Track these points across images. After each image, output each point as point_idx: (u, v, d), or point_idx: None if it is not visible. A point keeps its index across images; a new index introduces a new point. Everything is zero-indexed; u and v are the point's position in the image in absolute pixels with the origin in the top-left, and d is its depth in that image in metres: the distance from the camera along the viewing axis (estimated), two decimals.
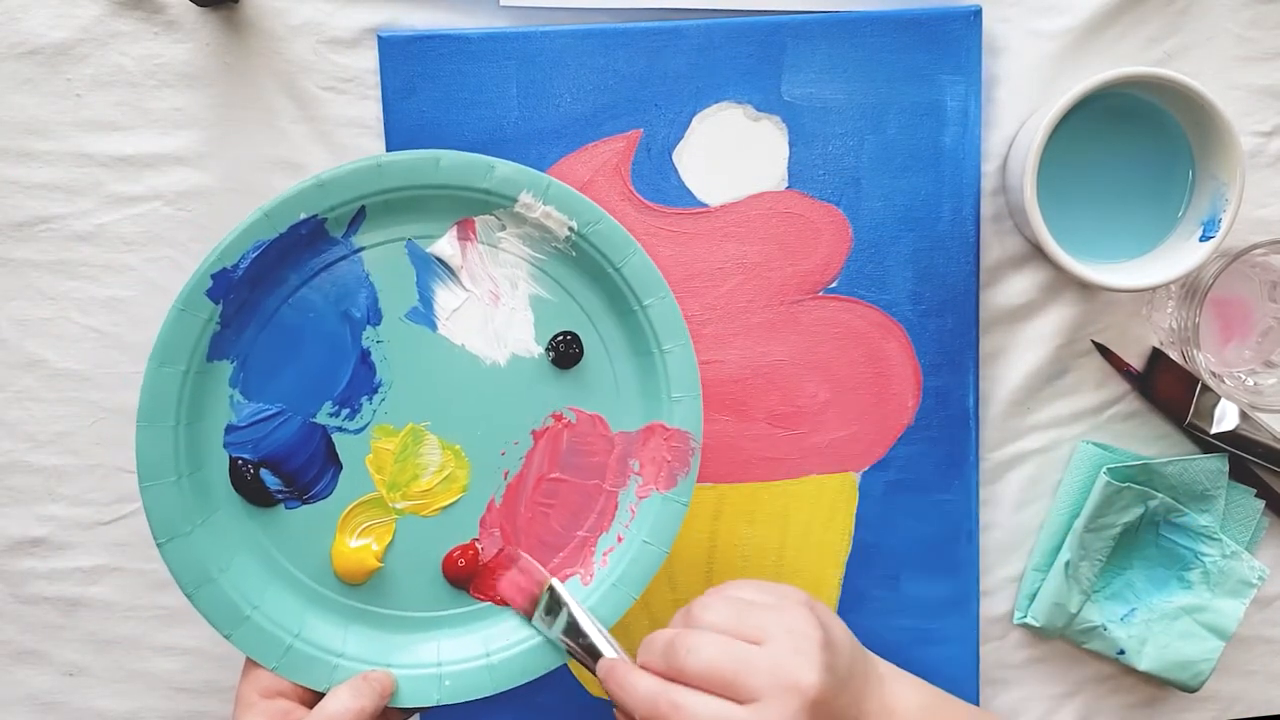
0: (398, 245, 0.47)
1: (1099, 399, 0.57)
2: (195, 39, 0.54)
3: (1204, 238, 0.52)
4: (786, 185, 0.55)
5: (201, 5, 0.53)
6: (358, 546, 0.48)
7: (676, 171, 0.54)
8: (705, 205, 0.55)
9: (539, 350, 0.48)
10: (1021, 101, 0.55)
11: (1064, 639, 0.58)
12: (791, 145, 0.54)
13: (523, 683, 0.48)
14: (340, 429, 0.47)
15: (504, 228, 0.48)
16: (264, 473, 0.47)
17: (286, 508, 0.48)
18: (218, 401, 0.47)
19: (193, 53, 0.54)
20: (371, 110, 0.54)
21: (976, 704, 0.58)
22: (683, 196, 0.55)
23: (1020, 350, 0.57)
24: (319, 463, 0.47)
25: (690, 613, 0.44)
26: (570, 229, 0.47)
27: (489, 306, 0.48)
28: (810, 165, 0.55)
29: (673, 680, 0.42)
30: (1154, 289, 0.53)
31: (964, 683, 0.57)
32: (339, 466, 0.48)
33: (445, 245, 0.48)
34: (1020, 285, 0.56)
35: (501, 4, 0.54)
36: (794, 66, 0.54)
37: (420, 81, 0.53)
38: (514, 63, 0.53)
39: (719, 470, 0.56)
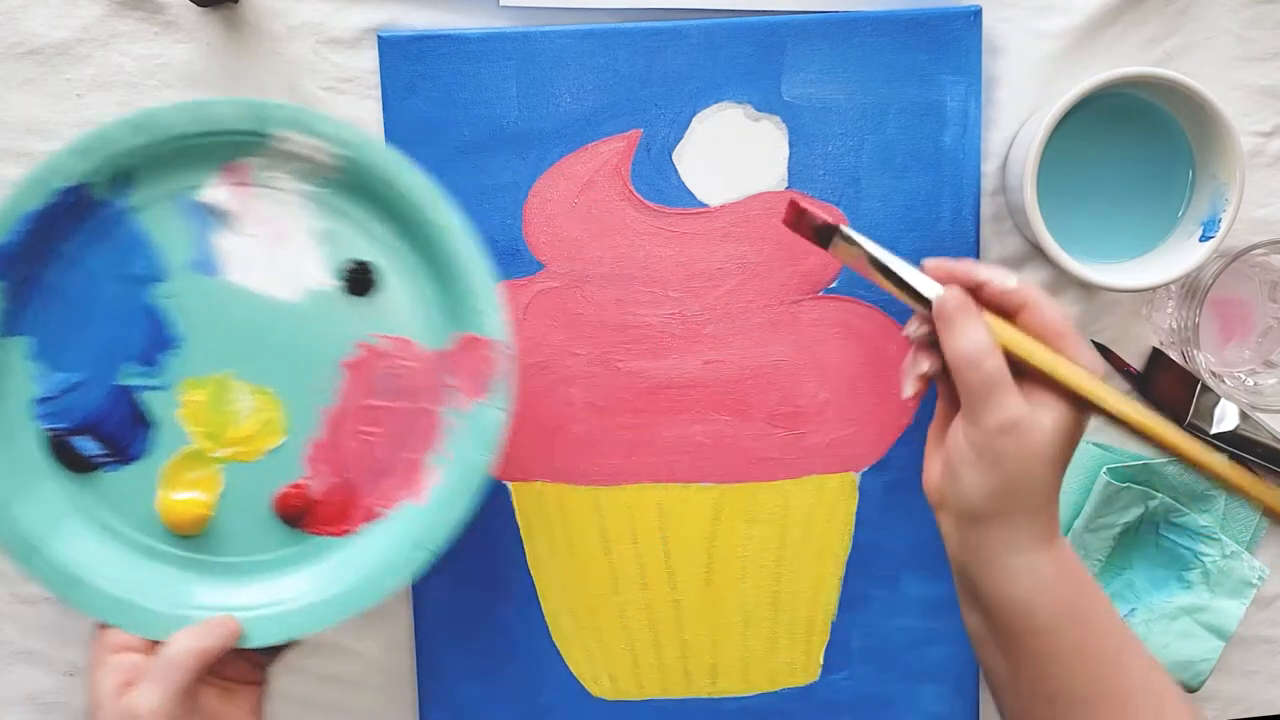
0: (171, 200, 0.47)
1: None
2: (195, 39, 0.54)
3: (1204, 238, 0.52)
4: (786, 185, 0.55)
5: (201, 5, 0.53)
6: (184, 499, 0.48)
7: (676, 171, 0.54)
8: (705, 205, 0.55)
9: (332, 282, 0.48)
10: (1021, 101, 0.55)
11: None
12: (791, 145, 0.54)
13: (364, 610, 0.48)
14: (147, 387, 0.48)
15: (272, 166, 0.48)
16: (83, 439, 0.48)
17: (109, 470, 0.48)
18: (19, 376, 0.48)
19: (193, 53, 0.54)
20: (372, 110, 0.54)
21: (977, 704, 0.58)
22: (683, 196, 0.55)
23: None
24: (131, 423, 0.48)
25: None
26: (333, 155, 0.47)
27: (274, 246, 0.48)
28: (810, 165, 0.55)
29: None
30: (1154, 289, 0.53)
31: (964, 683, 0.57)
32: (152, 424, 0.48)
33: (216, 193, 0.48)
34: None
35: (501, 4, 0.54)
36: (794, 66, 0.54)
37: (420, 81, 0.54)
38: (514, 63, 0.54)
39: (719, 470, 0.56)
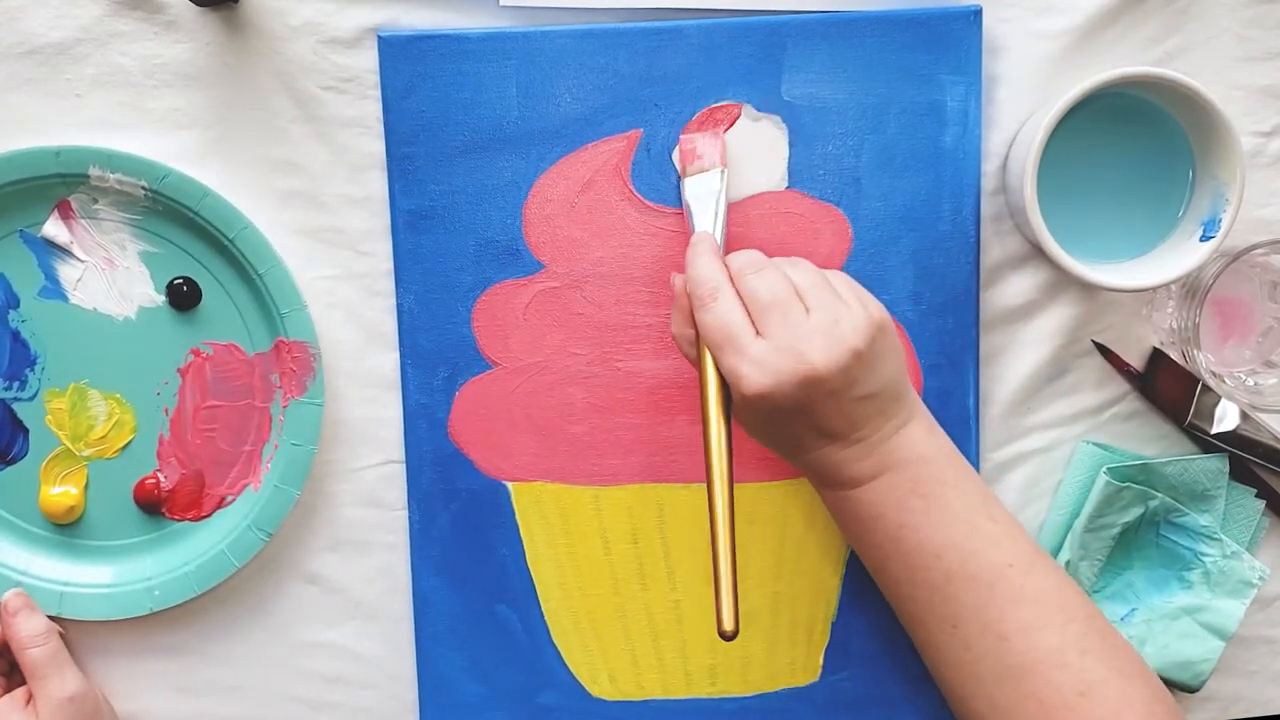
0: (12, 237, 0.54)
1: (1099, 399, 0.57)
2: (195, 39, 0.54)
3: (1204, 238, 0.52)
4: (786, 185, 0.55)
5: (201, 5, 0.53)
6: (58, 493, 0.56)
7: (677, 171, 0.54)
8: None
9: (161, 299, 0.55)
10: (1021, 101, 0.55)
11: None
12: (791, 145, 0.54)
13: (218, 583, 0.55)
14: (16, 399, 0.55)
15: (96, 201, 0.54)
16: None
17: None
18: None
19: (193, 53, 0.54)
20: (371, 110, 0.54)
21: None
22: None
23: (1020, 350, 0.57)
24: (8, 431, 0.55)
25: (779, 263, 0.49)
26: (143, 188, 0.53)
27: (106, 270, 0.54)
28: (810, 165, 0.55)
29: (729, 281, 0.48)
30: (1154, 289, 0.53)
31: None
32: (26, 431, 0.55)
33: (50, 228, 0.54)
34: (1020, 285, 0.56)
35: (501, 4, 0.54)
36: (794, 66, 0.54)
37: (420, 81, 0.53)
38: (514, 63, 0.53)
39: None
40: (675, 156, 0.54)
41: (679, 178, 0.54)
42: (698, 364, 0.49)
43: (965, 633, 0.48)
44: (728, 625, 0.46)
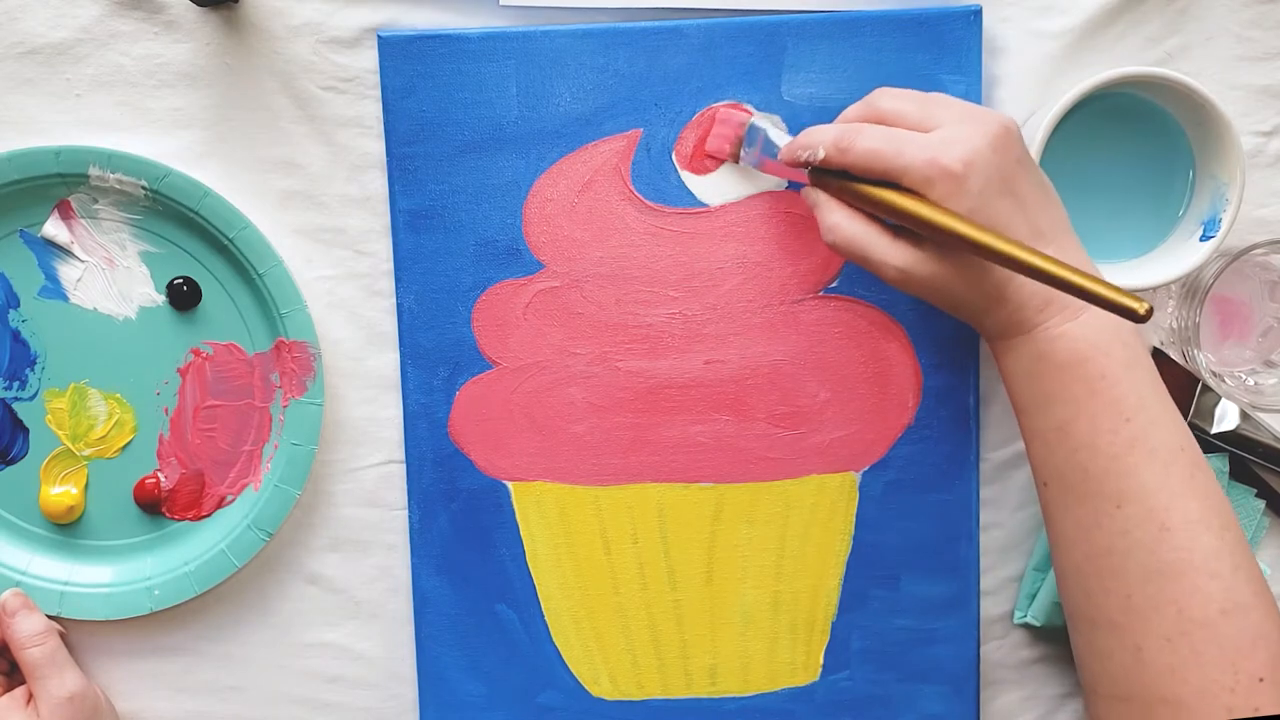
0: (12, 237, 0.54)
1: None
2: (195, 39, 0.54)
3: (1204, 238, 0.52)
4: (786, 185, 0.55)
5: (201, 5, 0.53)
6: (58, 493, 0.56)
7: (676, 171, 0.54)
8: (705, 205, 0.55)
9: (161, 298, 0.55)
10: (1022, 102, 0.55)
11: (1064, 639, 0.58)
12: None
13: (218, 583, 0.55)
14: (16, 399, 0.55)
15: (96, 201, 0.54)
16: None
17: None
18: None
19: (193, 53, 0.54)
20: (371, 110, 0.54)
21: (977, 704, 0.58)
22: (683, 196, 0.55)
23: None
24: (8, 431, 0.55)
25: (869, 100, 0.49)
26: (143, 188, 0.53)
27: (106, 270, 0.55)
28: None
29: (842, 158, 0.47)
30: (1154, 289, 0.53)
31: (964, 683, 0.57)
32: (26, 430, 0.55)
33: (50, 228, 0.54)
34: None
35: (501, 4, 0.54)
36: (794, 66, 0.54)
37: (420, 81, 0.54)
38: (514, 63, 0.54)
39: (719, 470, 0.56)
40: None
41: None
42: (878, 205, 0.47)
43: (1128, 514, 0.45)
44: (1141, 308, 0.42)
